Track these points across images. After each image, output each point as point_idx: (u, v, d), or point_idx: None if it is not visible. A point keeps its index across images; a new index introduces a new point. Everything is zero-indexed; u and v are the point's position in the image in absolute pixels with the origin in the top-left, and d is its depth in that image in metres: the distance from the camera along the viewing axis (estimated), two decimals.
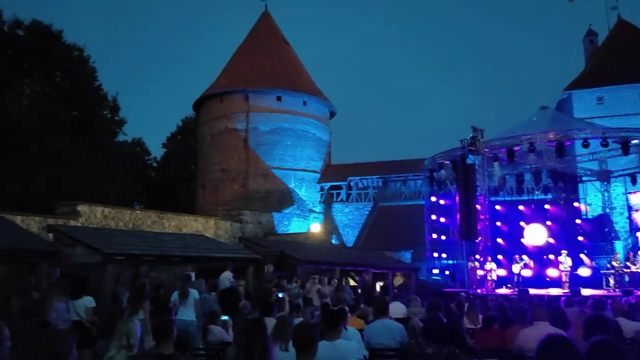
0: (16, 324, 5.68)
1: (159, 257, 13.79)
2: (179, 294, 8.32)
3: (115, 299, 11.01)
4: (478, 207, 18.71)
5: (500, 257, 20.11)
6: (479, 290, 17.55)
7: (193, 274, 11.37)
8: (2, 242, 11.82)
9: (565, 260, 18.13)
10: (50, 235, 14.19)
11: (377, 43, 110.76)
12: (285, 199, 31.09)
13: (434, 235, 21.38)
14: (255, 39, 35.30)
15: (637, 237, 22.19)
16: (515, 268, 18.76)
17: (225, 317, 7.37)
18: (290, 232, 28.74)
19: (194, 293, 8.36)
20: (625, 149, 17.64)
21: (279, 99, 32.00)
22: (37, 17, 29.40)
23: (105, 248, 12.21)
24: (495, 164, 19.48)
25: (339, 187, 32.21)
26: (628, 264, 17.51)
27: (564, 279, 18.01)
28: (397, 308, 9.25)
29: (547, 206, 22.10)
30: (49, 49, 28.07)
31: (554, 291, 16.82)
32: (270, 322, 4.71)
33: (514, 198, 22.90)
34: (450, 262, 21.35)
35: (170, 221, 21.03)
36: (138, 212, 21.28)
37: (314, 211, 32.20)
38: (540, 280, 18.97)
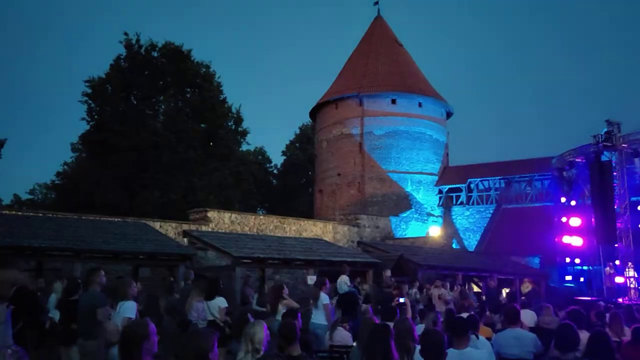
0: (163, 322, 6.24)
1: (283, 260, 14.35)
2: (313, 297, 8.63)
3: (244, 299, 11.65)
4: (616, 207, 17.08)
5: None
6: (620, 300, 15.97)
7: (314, 278, 11.64)
8: (145, 246, 13.06)
9: None
10: (185, 239, 15.38)
11: (496, 37, 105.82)
12: (402, 202, 30.76)
13: (565, 239, 19.85)
14: (369, 43, 35.46)
15: None
16: None
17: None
18: (408, 236, 28.38)
19: (323, 297, 8.60)
20: None
21: (393, 101, 31.82)
22: (169, 38, 32.24)
23: (234, 251, 12.98)
24: (637, 160, 17.65)
25: (459, 190, 31.16)
26: None
27: None
28: (527, 316, 8.69)
29: None
30: (180, 68, 30.55)
31: None
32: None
33: None
34: (585, 268, 19.66)
35: (291, 226, 21.82)
36: (261, 217, 22.37)
37: (432, 215, 31.47)
38: None
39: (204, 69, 32.23)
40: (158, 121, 30.37)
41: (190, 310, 7.04)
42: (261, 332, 4.20)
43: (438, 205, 31.70)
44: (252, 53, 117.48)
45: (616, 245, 17.05)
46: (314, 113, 35.45)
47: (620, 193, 17.51)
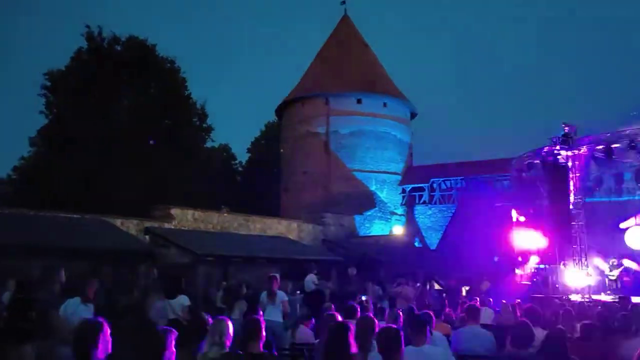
0: (120, 321, 6.13)
1: (246, 258, 14.32)
2: (267, 294, 8.55)
3: (206, 298, 11.56)
4: (571, 208, 17.69)
5: (597, 261, 18.85)
6: (573, 297, 16.55)
7: (277, 276, 11.62)
8: (105, 243, 12.80)
9: None
10: (147, 237, 15.14)
11: (463, 37, 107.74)
12: (366, 201, 31.03)
13: (524, 239, 20.39)
14: (335, 42, 35.60)
15: None
16: (613, 273, 17.48)
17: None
18: (372, 234, 28.67)
19: (281, 294, 8.58)
20: None
21: (359, 101, 32.04)
22: (133, 32, 31.55)
23: (197, 249, 12.87)
24: (592, 162, 18.30)
25: (422, 189, 31.65)
26: None
27: None
28: (485, 314, 8.92)
29: None
30: (144, 62, 29.96)
31: None
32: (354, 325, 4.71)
33: (612, 199, 21.32)
34: (542, 266, 20.28)
35: (255, 224, 21.70)
36: (225, 215, 22.16)
37: (395, 213, 31.87)
38: None
39: (168, 64, 31.72)
40: (120, 116, 29.72)
41: (150, 308, 6.94)
42: (229, 328, 4.32)
43: (401, 204, 32.12)
44: (217, 49, 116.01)
45: (571, 244, 17.62)
46: (280, 111, 35.38)
47: (576, 194, 18.13)
